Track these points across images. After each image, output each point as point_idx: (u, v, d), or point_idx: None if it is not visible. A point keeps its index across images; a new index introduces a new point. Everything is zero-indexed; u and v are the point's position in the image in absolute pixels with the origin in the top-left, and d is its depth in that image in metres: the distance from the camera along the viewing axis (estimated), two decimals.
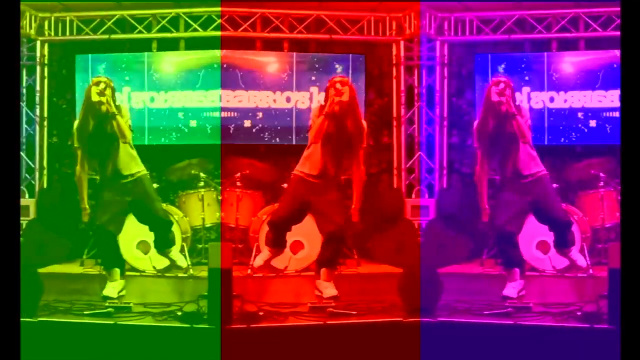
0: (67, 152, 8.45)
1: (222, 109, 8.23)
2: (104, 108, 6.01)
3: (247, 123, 8.29)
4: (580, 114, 8.11)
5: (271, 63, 8.41)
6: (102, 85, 6.02)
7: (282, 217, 6.26)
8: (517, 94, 6.61)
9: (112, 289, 6.11)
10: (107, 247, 6.21)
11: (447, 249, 7.53)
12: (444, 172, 8.56)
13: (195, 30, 8.34)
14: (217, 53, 8.22)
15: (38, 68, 8.48)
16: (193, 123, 8.26)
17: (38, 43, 8.47)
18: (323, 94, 6.34)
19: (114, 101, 6.12)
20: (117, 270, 6.22)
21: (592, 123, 8.08)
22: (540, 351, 5.33)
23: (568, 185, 7.50)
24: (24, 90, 8.40)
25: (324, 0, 8.22)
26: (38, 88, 8.48)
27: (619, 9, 6.94)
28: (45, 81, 8.55)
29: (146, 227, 6.46)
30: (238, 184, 7.61)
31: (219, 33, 8.27)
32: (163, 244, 6.48)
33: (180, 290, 6.55)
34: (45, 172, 8.52)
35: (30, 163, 8.41)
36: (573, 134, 8.13)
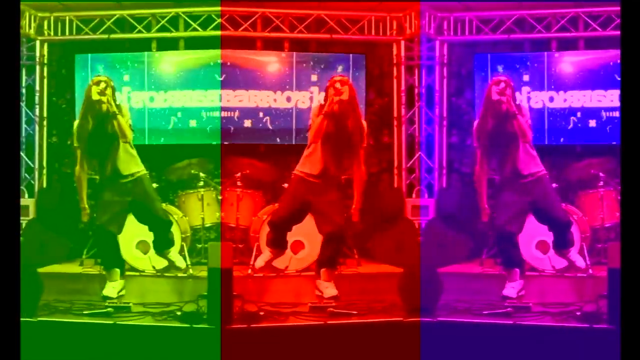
0: (67, 151, 8.46)
1: (222, 109, 8.23)
2: (104, 107, 6.00)
3: (247, 123, 8.29)
4: (579, 114, 8.11)
5: (272, 63, 8.41)
6: (102, 85, 6.01)
7: (282, 217, 6.25)
8: (517, 94, 6.59)
9: (111, 288, 6.10)
10: (107, 247, 6.19)
11: (447, 248, 7.53)
12: (444, 172, 8.56)
13: (195, 29, 8.34)
14: (217, 53, 8.21)
15: (37, 68, 8.49)
16: (193, 123, 8.26)
17: (38, 43, 8.47)
18: (323, 94, 6.33)
19: (115, 100, 6.11)
20: (117, 271, 6.21)
21: (592, 123, 8.08)
22: (539, 351, 5.32)
23: (568, 185, 7.51)
24: (24, 90, 8.40)
25: (324, 0, 8.22)
26: (37, 88, 8.48)
27: (618, 8, 6.94)
28: (45, 81, 8.55)
29: (146, 227, 6.45)
30: (238, 183, 7.61)
31: (219, 33, 8.27)
32: (162, 244, 6.48)
33: (180, 290, 6.55)
34: (44, 171, 8.52)
35: (29, 163, 8.41)
36: (573, 133, 8.12)
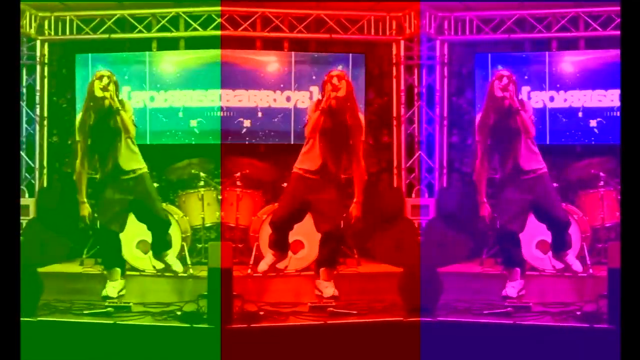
0: (67, 151, 8.46)
1: (222, 109, 8.22)
2: (107, 103, 5.99)
3: (247, 122, 8.29)
4: (580, 114, 8.11)
5: (271, 62, 8.40)
6: (105, 80, 5.99)
7: (282, 216, 6.22)
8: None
9: (112, 288, 6.08)
10: (108, 246, 6.16)
11: (447, 248, 7.53)
12: (444, 172, 8.56)
13: (195, 29, 8.34)
14: (217, 52, 8.21)
15: (38, 67, 8.49)
16: (193, 122, 8.25)
17: (38, 42, 8.47)
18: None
19: (118, 96, 6.09)
20: (118, 270, 6.18)
21: (592, 122, 8.07)
22: (539, 351, 5.33)
23: (568, 184, 7.50)
24: (24, 90, 8.40)
25: (324, 0, 8.22)
26: (38, 87, 8.48)
27: (618, 8, 6.94)
28: (45, 80, 8.55)
29: (145, 227, 6.43)
30: (238, 183, 7.60)
31: (219, 32, 8.27)
32: (159, 245, 6.41)
33: (180, 289, 6.55)
34: (45, 171, 8.52)
35: (30, 162, 8.41)
36: (573, 133, 8.12)
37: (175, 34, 8.36)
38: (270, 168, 7.88)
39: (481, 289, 6.57)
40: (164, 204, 6.74)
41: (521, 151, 6.10)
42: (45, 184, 8.48)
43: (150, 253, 6.72)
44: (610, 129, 7.96)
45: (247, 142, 8.29)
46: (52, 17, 8.42)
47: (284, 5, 8.33)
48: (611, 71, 7.88)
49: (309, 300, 6.17)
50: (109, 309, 5.78)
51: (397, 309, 5.92)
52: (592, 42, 8.21)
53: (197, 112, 8.24)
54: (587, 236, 6.98)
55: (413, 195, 8.46)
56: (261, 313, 5.73)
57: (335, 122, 6.04)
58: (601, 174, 7.28)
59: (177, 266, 6.54)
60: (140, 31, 8.37)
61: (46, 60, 8.55)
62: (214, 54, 8.23)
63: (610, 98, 7.98)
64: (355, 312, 5.86)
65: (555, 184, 6.51)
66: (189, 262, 6.88)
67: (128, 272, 6.53)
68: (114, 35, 8.41)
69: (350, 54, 8.38)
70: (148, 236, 6.57)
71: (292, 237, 6.57)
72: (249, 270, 6.75)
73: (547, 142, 8.05)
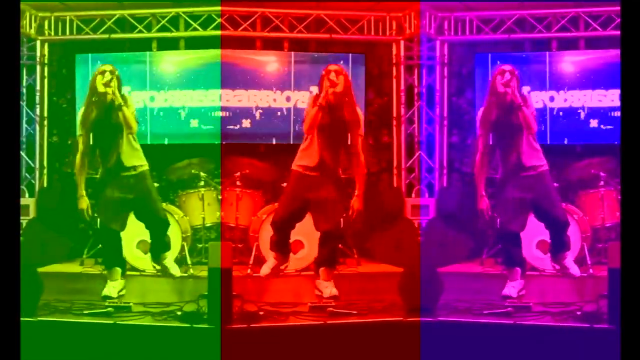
0: (67, 151, 8.46)
1: (222, 109, 8.22)
2: (109, 99, 5.97)
3: (247, 122, 8.29)
4: (580, 113, 8.10)
5: (271, 62, 8.41)
6: (107, 76, 5.96)
7: (282, 216, 6.19)
8: None
9: (112, 288, 6.07)
10: (109, 245, 6.14)
11: (447, 248, 7.53)
12: (444, 172, 8.56)
13: (195, 29, 8.34)
14: (217, 52, 8.21)
15: (38, 67, 8.49)
16: (193, 122, 8.25)
17: (38, 42, 8.47)
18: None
19: (120, 91, 6.06)
20: (118, 270, 6.17)
21: (593, 122, 8.07)
22: (540, 351, 5.33)
23: (568, 184, 7.49)
24: (24, 90, 8.40)
25: (324, 0, 8.22)
26: (38, 87, 8.48)
27: (619, 8, 6.94)
28: (46, 81, 8.55)
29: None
30: (238, 183, 7.61)
31: (219, 32, 8.27)
32: (158, 246, 6.37)
33: (180, 289, 6.54)
34: (45, 171, 8.52)
35: (30, 162, 8.41)
36: (573, 133, 8.12)
37: (175, 34, 8.36)
38: (270, 168, 7.89)
39: (481, 289, 6.56)
40: (164, 204, 6.74)
41: (523, 147, 6.05)
42: (45, 184, 8.48)
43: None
44: (610, 129, 7.96)
45: (247, 142, 8.29)
46: (52, 17, 8.42)
47: (284, 5, 8.33)
48: (611, 71, 7.88)
49: (309, 300, 6.17)
50: (109, 309, 5.78)
51: (397, 309, 5.92)
52: (592, 42, 8.22)
53: (197, 112, 8.24)
54: (588, 236, 6.99)
55: (413, 195, 8.46)
56: (261, 313, 5.73)
57: (333, 117, 5.99)
58: (601, 174, 7.28)
59: (175, 270, 6.44)
60: (140, 31, 8.37)
61: (46, 61, 8.55)
62: (214, 54, 8.23)
63: (611, 98, 7.98)
64: (355, 312, 5.86)
65: (555, 184, 6.50)
66: (189, 262, 6.87)
67: (128, 272, 6.52)
68: (114, 35, 8.41)
69: (350, 54, 8.38)
70: (148, 236, 6.57)
71: (293, 237, 6.57)
72: (249, 270, 6.74)
73: (548, 142, 8.05)
